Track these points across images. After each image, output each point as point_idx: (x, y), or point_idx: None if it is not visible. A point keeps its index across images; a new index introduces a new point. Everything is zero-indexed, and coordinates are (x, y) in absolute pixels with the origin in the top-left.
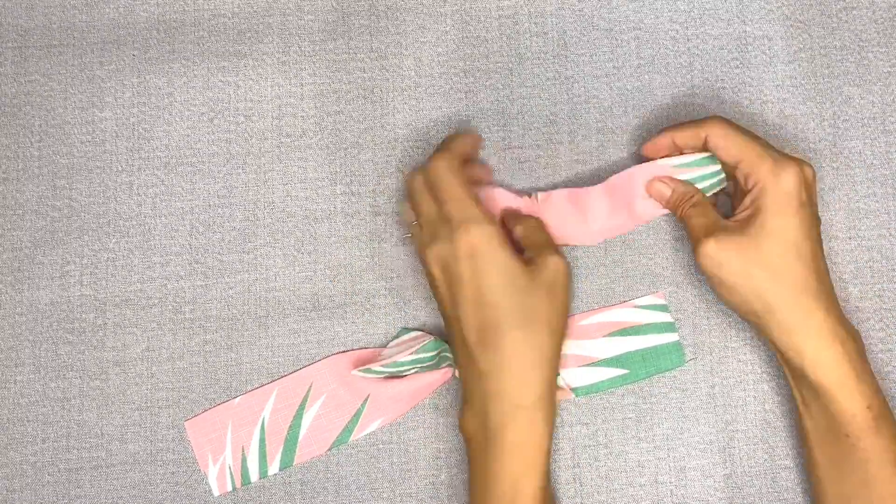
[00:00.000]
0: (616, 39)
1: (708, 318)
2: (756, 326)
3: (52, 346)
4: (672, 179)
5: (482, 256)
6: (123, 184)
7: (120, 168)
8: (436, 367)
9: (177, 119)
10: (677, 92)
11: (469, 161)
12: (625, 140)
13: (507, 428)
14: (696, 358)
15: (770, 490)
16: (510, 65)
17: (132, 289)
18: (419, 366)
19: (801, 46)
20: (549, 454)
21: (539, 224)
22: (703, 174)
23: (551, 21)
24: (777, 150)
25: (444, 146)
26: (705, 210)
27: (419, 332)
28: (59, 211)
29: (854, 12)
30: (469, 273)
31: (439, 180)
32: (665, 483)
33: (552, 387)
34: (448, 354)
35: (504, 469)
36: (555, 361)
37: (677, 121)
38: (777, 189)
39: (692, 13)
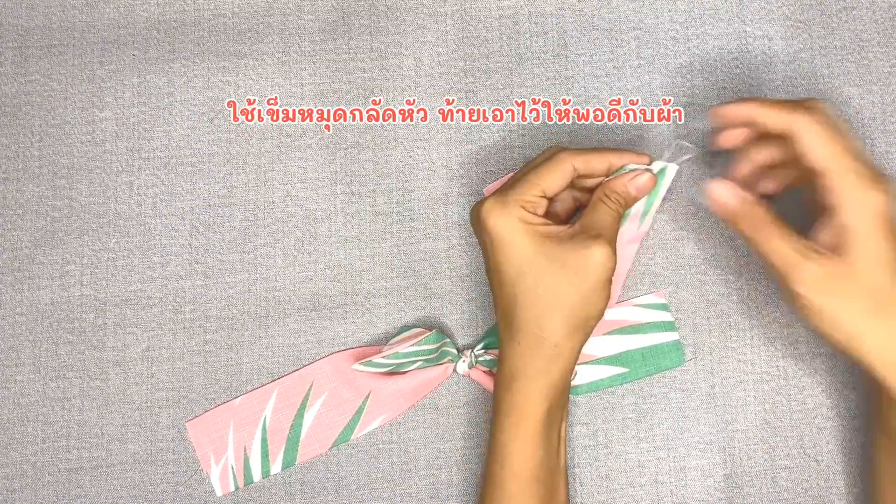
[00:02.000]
0: (616, 39)
1: (708, 318)
2: (847, 350)
3: (52, 346)
4: (734, 186)
5: (496, 238)
6: (123, 184)
7: (120, 168)
8: (437, 361)
9: (177, 119)
10: (677, 92)
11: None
12: (625, 140)
13: (506, 392)
14: (695, 358)
15: (770, 490)
16: (510, 65)
17: (132, 289)
18: (421, 359)
19: (801, 46)
20: (545, 425)
21: (605, 209)
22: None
23: (551, 21)
24: (867, 160)
25: (583, 151)
26: (784, 231)
27: (420, 329)
28: (59, 211)
29: (854, 12)
30: (489, 247)
31: (539, 158)
32: (665, 483)
33: (556, 364)
34: (448, 349)
35: (499, 431)
36: (566, 344)
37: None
38: (871, 210)
39: (692, 13)
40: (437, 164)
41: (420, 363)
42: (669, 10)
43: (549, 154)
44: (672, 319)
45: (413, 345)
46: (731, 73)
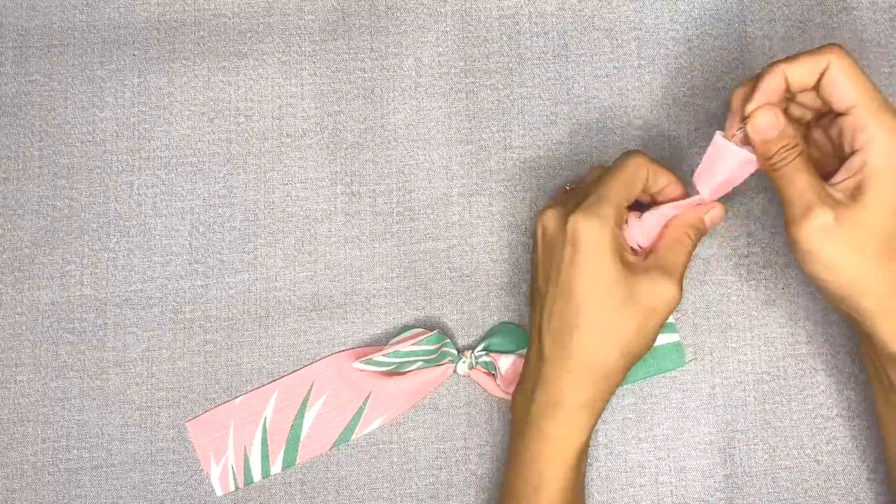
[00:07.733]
0: (616, 39)
1: (708, 318)
2: (846, 307)
3: (52, 346)
4: (780, 113)
5: (583, 252)
6: (123, 184)
7: (120, 168)
8: (437, 361)
9: (177, 119)
10: (677, 92)
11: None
12: (625, 140)
13: (547, 420)
14: (696, 358)
15: (770, 490)
16: (510, 65)
17: (132, 289)
18: (421, 359)
19: (801, 47)
20: (582, 453)
21: (683, 248)
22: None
23: (551, 21)
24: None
25: (653, 161)
26: (810, 168)
27: (421, 329)
28: (59, 211)
29: (854, 12)
30: (567, 260)
31: (616, 164)
32: (665, 483)
33: (603, 396)
34: (449, 349)
35: (535, 457)
36: (616, 377)
37: (689, 112)
38: (893, 150)
39: (693, 13)
40: (437, 164)
41: (420, 363)
42: (670, 11)
43: (624, 159)
44: (672, 321)
45: (413, 344)
46: (732, 73)
